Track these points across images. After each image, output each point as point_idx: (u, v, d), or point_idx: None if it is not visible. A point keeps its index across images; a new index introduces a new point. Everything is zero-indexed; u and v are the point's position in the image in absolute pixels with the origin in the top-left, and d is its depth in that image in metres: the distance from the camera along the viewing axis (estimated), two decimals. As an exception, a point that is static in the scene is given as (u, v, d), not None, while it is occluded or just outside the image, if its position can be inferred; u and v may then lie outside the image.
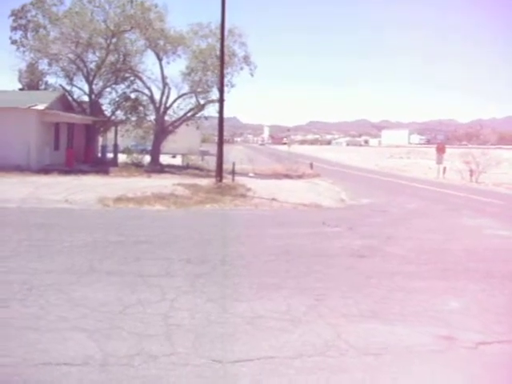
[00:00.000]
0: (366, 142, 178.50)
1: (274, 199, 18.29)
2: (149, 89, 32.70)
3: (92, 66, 31.67)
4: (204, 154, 47.98)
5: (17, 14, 30.74)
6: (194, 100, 33.52)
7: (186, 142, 46.75)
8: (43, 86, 34.98)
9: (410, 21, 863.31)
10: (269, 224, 13.27)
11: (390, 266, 8.70)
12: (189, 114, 33.86)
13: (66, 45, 29.61)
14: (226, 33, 31.04)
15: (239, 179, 24.76)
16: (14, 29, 31.11)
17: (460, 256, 9.92)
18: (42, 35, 30.09)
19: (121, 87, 32.96)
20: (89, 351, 4.61)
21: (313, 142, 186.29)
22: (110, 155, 34.63)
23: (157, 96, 32.67)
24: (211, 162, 33.87)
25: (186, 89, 33.07)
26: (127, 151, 34.99)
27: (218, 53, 28.12)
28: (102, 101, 33.16)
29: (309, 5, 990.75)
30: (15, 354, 4.50)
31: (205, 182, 22.21)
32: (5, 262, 7.65)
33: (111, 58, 31.19)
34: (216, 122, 36.11)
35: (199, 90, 32.74)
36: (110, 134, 35.52)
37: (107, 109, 33.79)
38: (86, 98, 32.47)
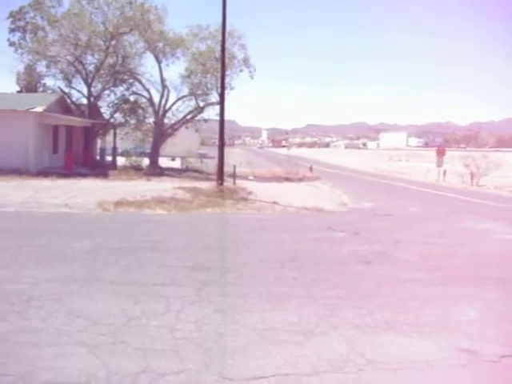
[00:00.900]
0: (365, 144, 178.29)
1: (275, 203, 18.05)
2: (148, 91, 32.53)
3: (91, 68, 31.48)
4: (203, 156, 47.79)
5: (15, 16, 30.42)
6: (193, 102, 33.41)
7: (184, 145, 46.59)
8: (41, 89, 34.72)
9: (409, 24, 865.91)
10: (272, 228, 13.00)
11: (400, 273, 8.44)
12: (188, 117, 33.68)
13: (65, 47, 29.37)
14: (225, 35, 30.95)
15: (240, 182, 24.52)
16: (12, 30, 30.78)
17: (470, 261, 9.67)
18: (41, 37, 29.82)
19: (120, 90, 32.85)
20: (92, 369, 4.33)
21: (311, 145, 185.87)
22: (109, 158, 34.37)
23: (156, 98, 32.55)
24: (210, 165, 33.67)
25: (185, 91, 32.96)
26: (126, 154, 34.76)
27: (218, 55, 27.98)
28: (100, 103, 33.00)
29: (307, 7, 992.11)
30: (14, 372, 4.22)
31: (205, 185, 21.96)
32: (2, 270, 7.36)
33: (110, 60, 30.99)
34: (214, 124, 35.97)
35: (199, 92, 32.57)
36: (109, 137, 35.31)
37: (106, 111, 33.65)
38: (84, 101, 32.24)
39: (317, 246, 10.55)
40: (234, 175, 23.97)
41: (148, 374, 4.28)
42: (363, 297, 6.89)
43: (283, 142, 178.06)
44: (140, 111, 33.33)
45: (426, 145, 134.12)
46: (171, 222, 13.40)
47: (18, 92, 34.04)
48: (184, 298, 6.35)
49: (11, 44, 30.84)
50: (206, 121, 35.28)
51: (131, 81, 32.60)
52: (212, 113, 32.89)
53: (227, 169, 24.42)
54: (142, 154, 35.65)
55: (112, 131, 34.11)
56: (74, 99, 32.36)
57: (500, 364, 4.91)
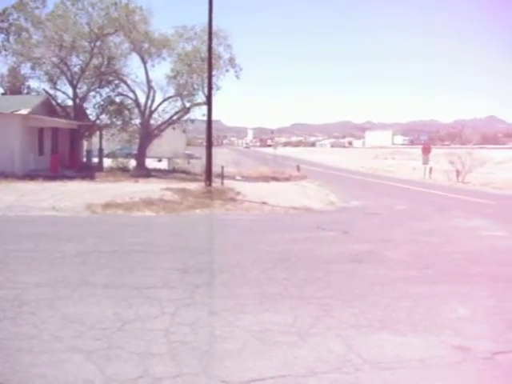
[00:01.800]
0: (350, 143, 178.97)
1: (264, 203, 18.06)
2: (133, 92, 32.36)
3: (76, 69, 31.19)
4: (190, 157, 47.63)
5: (-2, 17, 30.09)
6: (179, 103, 33.24)
7: (171, 146, 46.41)
8: (26, 91, 34.42)
9: (393, 23, 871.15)
10: (262, 229, 13.02)
11: (390, 272, 8.49)
12: (174, 118, 33.54)
13: (50, 48, 29.08)
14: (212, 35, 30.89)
15: (227, 183, 24.48)
16: (-5, 32, 30.44)
17: (460, 259, 9.75)
18: (25, 39, 29.49)
19: (105, 91, 32.58)
20: (88, 375, 4.29)
21: (297, 144, 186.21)
22: (95, 160, 34.14)
23: (142, 99, 32.35)
24: (197, 166, 33.59)
25: (171, 92, 32.82)
26: (112, 155, 34.54)
27: (204, 55, 27.90)
28: (86, 105, 32.72)
29: (291, 7, 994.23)
30: (9, 381, 4.18)
31: (193, 186, 21.90)
32: (-8, 275, 7.29)
33: (95, 61, 30.76)
34: (200, 124, 35.83)
35: (185, 93, 32.45)
36: (95, 139, 35.06)
37: (92, 113, 33.38)
38: (70, 102, 31.96)
39: (307, 245, 10.58)
40: (222, 176, 23.93)
41: (146, 379, 4.25)
42: (356, 296, 6.92)
43: (268, 141, 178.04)
44: (126, 112, 33.12)
45: (412, 143, 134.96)
46: (161, 224, 13.35)
47: (2, 94, 33.67)
48: (177, 301, 6.32)
49: (-6, 45, 30.48)
50: (192, 121, 35.19)
51: (117, 82, 32.37)
52: (198, 113, 32.82)
53: (214, 169, 24.37)
54: (128, 156, 35.46)
55: (98, 133, 33.87)
56: (59, 101, 32.06)
57: (493, 360, 4.96)
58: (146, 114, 32.32)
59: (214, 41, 31.67)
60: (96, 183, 22.62)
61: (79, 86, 31.04)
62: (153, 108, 32.64)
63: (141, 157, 33.05)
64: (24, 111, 24.09)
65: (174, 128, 34.99)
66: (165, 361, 4.61)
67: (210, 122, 21.67)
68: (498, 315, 6.38)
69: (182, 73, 31.94)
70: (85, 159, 34.40)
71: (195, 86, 32.19)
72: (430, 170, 36.93)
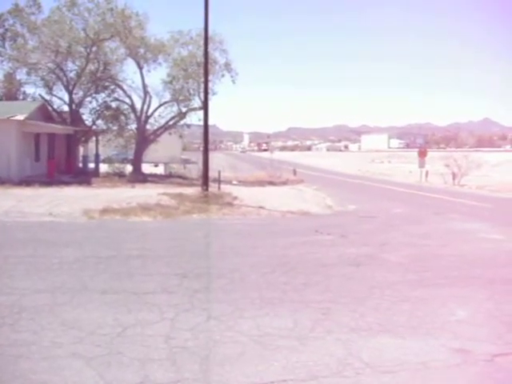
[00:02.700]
0: (346, 147, 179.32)
1: (261, 207, 18.07)
2: (130, 97, 32.32)
3: (72, 75, 31.18)
4: (186, 162, 47.61)
5: (-7, 23, 30.10)
6: (175, 108, 33.20)
7: (167, 151, 46.35)
8: (21, 96, 34.34)
9: (388, 26, 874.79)
10: (260, 233, 13.02)
11: (389, 275, 8.50)
12: (170, 123, 33.51)
13: (45, 54, 29.05)
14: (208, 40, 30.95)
15: (224, 187, 24.48)
16: (-10, 38, 30.44)
17: (458, 262, 9.77)
18: (20, 44, 29.48)
19: (101, 96, 32.54)
20: (88, 381, 4.28)
21: (293, 148, 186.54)
22: (92, 165, 34.09)
23: (138, 105, 32.31)
24: (193, 170, 33.57)
25: (167, 97, 32.76)
26: (108, 161, 34.49)
27: (200, 60, 27.93)
28: (82, 110, 32.69)
29: (284, 10, 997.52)
30: (9, 387, 4.17)
31: (190, 190, 21.87)
32: (-10, 281, 7.26)
33: (91, 66, 30.74)
34: (196, 129, 35.84)
35: (181, 98, 32.43)
36: (91, 144, 35.00)
37: (88, 118, 33.33)
38: (66, 108, 31.94)
39: (305, 249, 10.58)
40: (218, 180, 23.95)
41: (146, 385, 4.25)
42: (355, 300, 6.92)
43: (263, 145, 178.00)
44: (122, 117, 33.10)
45: (407, 146, 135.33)
46: (158, 229, 13.35)
47: (-1, 100, 33.59)
48: (177, 306, 6.32)
49: (-11, 51, 30.47)
50: (188, 126, 35.18)
51: (113, 87, 32.37)
52: (194, 118, 32.83)
53: (211, 173, 24.38)
54: (124, 161, 35.40)
55: (94, 138, 33.84)
56: (55, 106, 32.03)
57: (493, 363, 4.97)
58: (142, 119, 32.30)
59: (210, 45, 31.68)
60: (93, 189, 22.57)
61: (75, 91, 31.01)
62: (149, 113, 32.62)
63: (137, 162, 33.01)
64: (20, 117, 24.03)
65: (170, 133, 34.98)
66: (165, 366, 4.60)
67: (206, 126, 21.69)
68: (497, 317, 6.40)
69: (177, 78, 31.92)
70: (81, 165, 34.34)
71: (191, 91, 32.19)
72: (427, 173, 36.99)
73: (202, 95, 31.42)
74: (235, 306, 6.42)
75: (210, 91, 31.87)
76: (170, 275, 7.89)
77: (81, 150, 35.50)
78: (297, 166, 46.80)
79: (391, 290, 7.47)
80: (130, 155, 35.19)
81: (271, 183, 31.92)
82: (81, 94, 31.63)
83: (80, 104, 31.76)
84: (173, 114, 33.34)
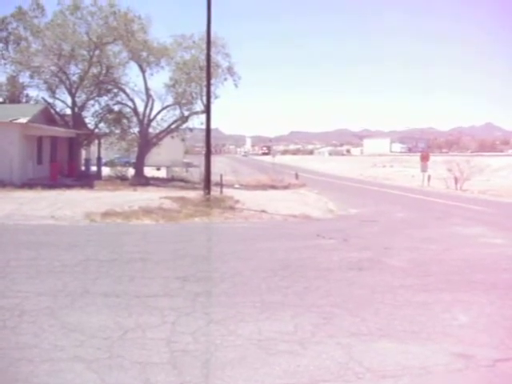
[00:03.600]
0: (348, 151, 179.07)
1: (263, 211, 18.05)
2: (132, 101, 32.45)
3: (75, 78, 31.28)
4: (188, 165, 47.68)
5: (-3, 27, 30.25)
6: (177, 112, 33.32)
7: (169, 154, 46.41)
8: (25, 99, 34.45)
9: (391, 28, 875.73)
10: (262, 237, 13.02)
11: (391, 279, 8.49)
12: (173, 126, 33.62)
13: (48, 57, 29.17)
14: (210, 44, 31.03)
15: (226, 191, 24.48)
16: (-6, 41, 30.59)
17: (460, 266, 9.76)
18: (24, 47, 29.61)
19: (104, 99, 32.66)
20: (90, 384, 4.28)
21: (295, 152, 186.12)
22: (94, 168, 34.15)
23: (140, 108, 32.43)
24: (195, 174, 33.61)
25: (169, 100, 32.93)
26: (111, 164, 34.55)
27: (202, 64, 28.01)
28: (85, 113, 32.78)
29: (288, 14, 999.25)
30: (10, 390, 4.16)
31: (192, 194, 21.88)
32: (-8, 284, 7.26)
33: (94, 70, 30.85)
34: (198, 133, 35.92)
35: (183, 101, 32.54)
36: (94, 147, 35.08)
37: (90, 121, 33.44)
38: (68, 111, 32.03)
39: (307, 253, 10.58)
40: (220, 184, 23.95)
41: (147, 388, 4.24)
42: (357, 304, 6.91)
43: (264, 148, 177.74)
44: (124, 121, 33.18)
45: (410, 150, 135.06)
46: (160, 233, 13.35)
47: (1, 103, 33.66)
48: (178, 310, 6.30)
49: (-6, 54, 30.62)
50: (191, 130, 35.25)
51: (115, 91, 32.48)
52: (196, 122, 32.89)
53: (213, 177, 24.40)
54: (126, 164, 35.47)
55: (97, 141, 33.90)
56: (58, 110, 32.14)
57: (495, 368, 4.96)
58: (145, 122, 32.40)
59: (213, 49, 31.73)
60: (95, 192, 22.58)
61: (78, 94, 31.11)
62: (151, 116, 32.73)
63: (139, 165, 33.10)
64: (23, 120, 24.10)
65: (172, 137, 35.05)
66: (166, 370, 4.59)
67: (208, 130, 21.70)
68: (499, 322, 6.38)
69: (180, 81, 32.04)
70: (83, 168, 34.41)
71: (193, 95, 32.28)
72: (429, 177, 37.01)
73: (204, 99, 31.49)
74: (237, 310, 6.41)
75: (212, 95, 31.96)
76: (171, 279, 7.88)
77: (83, 153, 35.56)
78: (299, 170, 46.81)
79: (393, 295, 7.45)
80: (133, 159, 35.27)
81: (273, 187, 31.90)
82: (83, 97, 31.75)
83: (82, 107, 31.86)
84: (175, 118, 33.47)
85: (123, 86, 32.23)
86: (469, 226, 15.97)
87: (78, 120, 31.42)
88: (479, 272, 9.31)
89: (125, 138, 34.03)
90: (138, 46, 30.24)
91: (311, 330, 5.77)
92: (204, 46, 28.34)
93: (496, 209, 22.35)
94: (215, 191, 22.92)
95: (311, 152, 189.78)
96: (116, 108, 33.12)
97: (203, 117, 27.04)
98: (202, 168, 32.57)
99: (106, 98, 32.60)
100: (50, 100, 32.20)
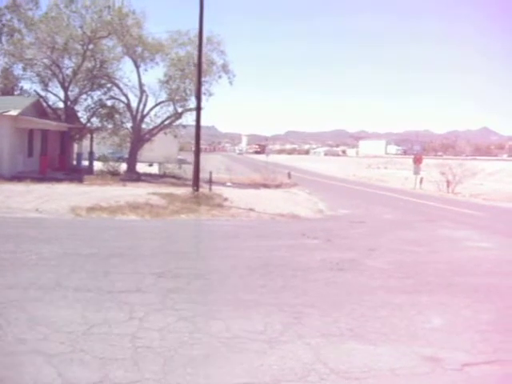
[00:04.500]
0: (344, 151, 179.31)
1: (251, 209, 17.99)
2: (126, 96, 32.29)
3: (68, 72, 31.08)
4: (181, 162, 47.52)
5: (-10, 18, 30.06)
6: (171, 108, 33.18)
7: (163, 151, 46.29)
8: (18, 92, 34.22)
9: (388, 31, 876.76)
10: (246, 235, 12.95)
11: (371, 280, 8.44)
12: (166, 122, 33.49)
13: (42, 50, 28.99)
14: (204, 41, 30.94)
15: (216, 188, 24.40)
16: (-14, 33, 30.38)
17: (443, 269, 9.71)
18: (17, 39, 29.41)
19: (97, 94, 32.43)
20: (46, 378, 4.20)
21: (291, 152, 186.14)
22: (86, 163, 33.99)
23: (134, 103, 32.27)
24: (188, 171, 33.45)
25: (163, 97, 32.77)
26: (103, 159, 34.38)
27: (196, 61, 27.91)
28: (77, 108, 32.55)
29: (285, 13, 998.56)
30: (-36, 383, 4.09)
31: (181, 191, 21.81)
32: (-36, 276, 7.17)
33: (88, 64, 30.64)
34: (193, 130, 35.96)
35: (177, 98, 32.39)
36: (86, 142, 34.89)
37: (83, 116, 33.22)
38: (61, 105, 31.83)
39: (289, 253, 10.52)
40: (210, 181, 23.85)
41: (104, 384, 4.17)
42: (331, 304, 6.85)
43: (256, 147, 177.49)
44: (117, 116, 32.99)
45: (405, 153, 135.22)
46: (144, 228, 13.27)
47: (-7, 95, 33.43)
48: (148, 306, 6.23)
49: (-15, 46, 30.40)
50: (184, 126, 35.12)
51: (109, 85, 32.28)
52: (190, 118, 32.62)
53: (205, 175, 24.32)
54: (120, 159, 35.30)
55: (89, 136, 33.73)
56: (50, 103, 31.92)
57: (462, 372, 4.91)
58: (138, 118, 32.25)
59: (208, 47, 31.78)
60: (84, 186, 22.45)
61: (71, 88, 30.90)
62: (145, 112, 32.60)
63: (131, 161, 32.96)
64: (13, 112, 23.93)
65: (165, 133, 34.92)
66: (127, 366, 4.52)
67: (198, 127, 21.66)
68: (474, 326, 6.33)
69: (174, 78, 31.92)
70: (75, 162, 34.23)
71: (188, 92, 32.13)
72: (421, 180, 36.96)
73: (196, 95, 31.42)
74: (208, 308, 6.35)
75: (206, 92, 31.96)
76: (146, 274, 7.81)
77: (75, 147, 35.37)
78: (293, 170, 46.75)
79: (370, 296, 7.40)
80: (126, 154, 35.09)
81: (265, 186, 31.85)
82: (76, 91, 31.54)
83: (75, 101, 31.66)
84: (169, 114, 33.32)
85: (117, 81, 32.06)
86: (457, 229, 15.94)
87: (70, 114, 31.23)
88: (461, 275, 9.28)
89: (117, 133, 33.82)
90: (132, 41, 30.09)
91: (280, 330, 5.71)
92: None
93: (487, 212, 22.34)
94: (205, 188, 22.85)
95: (307, 152, 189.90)
96: (109, 103, 32.92)
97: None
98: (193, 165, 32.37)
99: (98, 92, 32.41)
100: (43, 93, 32.02)
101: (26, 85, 33.97)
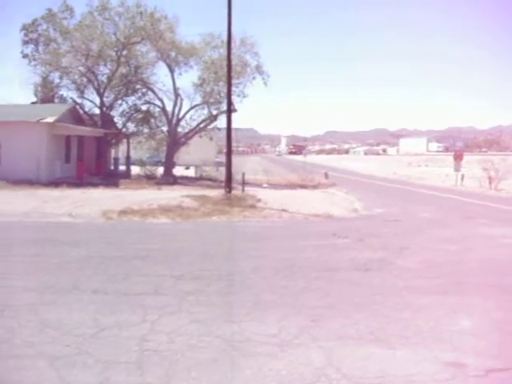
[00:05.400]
0: (384, 150, 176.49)
1: (284, 210, 17.78)
2: (161, 100, 32.62)
3: (103, 78, 31.64)
4: (219, 164, 47.73)
5: (28, 29, 30.85)
6: (206, 111, 33.30)
7: (199, 153, 46.62)
8: (58, 100, 35.05)
9: (428, 26, 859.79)
10: (275, 236, 12.76)
11: (398, 281, 8.11)
12: (201, 125, 33.63)
13: (77, 58, 29.62)
14: (237, 42, 31.02)
15: (251, 190, 24.30)
16: (25, 43, 31.20)
17: (476, 268, 9.28)
18: (53, 48, 30.13)
19: (131, 99, 32.88)
20: (46, 382, 4.15)
21: (330, 152, 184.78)
22: (123, 167, 34.52)
23: (169, 107, 32.54)
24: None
25: (198, 100, 32.92)
26: (140, 163, 34.83)
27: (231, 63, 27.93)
28: (113, 113, 33.08)
29: (323, 11, 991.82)
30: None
31: (214, 193, 21.78)
32: (-15, 280, 7.25)
33: (122, 70, 31.11)
34: (232, 132, 36.00)
35: (211, 100, 32.49)
36: (124, 146, 35.44)
37: (119, 121, 33.73)
38: (97, 111, 32.42)
39: (317, 253, 10.27)
40: (242, 182, 23.76)
41: (104, 388, 4.07)
42: (353, 306, 6.59)
43: (291, 147, 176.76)
44: (152, 120, 33.37)
45: (447, 150, 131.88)
46: (173, 231, 13.24)
47: (33, 103, 34.36)
48: (163, 309, 6.13)
49: (24, 56, 31.27)
50: (219, 129, 35.17)
51: (144, 90, 32.70)
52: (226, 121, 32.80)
53: (240, 176, 24.29)
54: (158, 163, 35.69)
55: (125, 140, 34.23)
56: (86, 109, 32.61)
57: (486, 378, 4.59)
58: (174, 121, 32.51)
59: (241, 48, 31.85)
60: (118, 190, 22.75)
61: (106, 94, 31.46)
62: (180, 116, 32.82)
63: (168, 164, 33.24)
64: (50, 119, 24.50)
65: (200, 136, 35.08)
66: (130, 369, 4.42)
67: (229, 129, 21.65)
68: (504, 329, 5.96)
69: (208, 81, 32.02)
70: (112, 167, 34.79)
71: (222, 94, 32.14)
72: (462, 176, 35.90)
73: (232, 98, 31.49)
74: (224, 310, 6.21)
75: (240, 94, 32.01)
76: (167, 277, 7.72)
77: (113, 152, 35.96)
78: (331, 170, 46.31)
79: (395, 297, 7.10)
80: (164, 158, 35.47)
81: (302, 186, 31.54)
82: (112, 96, 32.05)
83: (111, 107, 32.22)
84: (204, 117, 33.44)
85: (151, 86, 32.44)
86: (495, 227, 15.28)
87: (106, 119, 31.78)
88: (494, 275, 8.82)
89: (153, 137, 34.22)
90: (166, 46, 30.38)
91: (295, 333, 5.50)
92: (232, 45, 28.33)
93: (529, 209, 21.43)
94: (239, 190, 22.78)
95: (347, 151, 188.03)
96: (144, 107, 33.36)
97: (232, 116, 27.00)
98: (234, 167, 32.34)
99: (133, 97, 32.87)
100: (79, 100, 32.73)
101: (64, 92, 34.80)
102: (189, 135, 34.01)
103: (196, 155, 44.31)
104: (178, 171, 36.05)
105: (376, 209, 19.78)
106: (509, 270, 9.30)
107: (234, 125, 32.66)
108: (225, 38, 30.96)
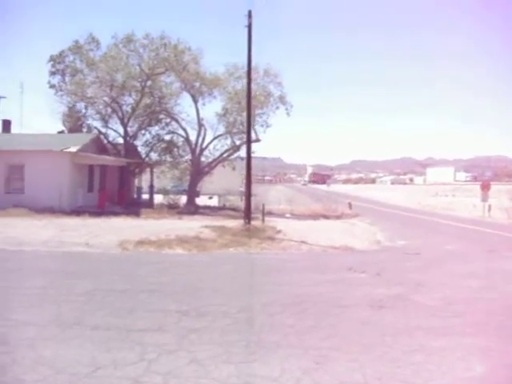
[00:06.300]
0: (411, 179, 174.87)
1: (303, 242, 17.52)
2: (184, 130, 32.98)
3: (127, 108, 32.15)
4: (244, 194, 47.66)
5: (55, 60, 31.80)
6: (229, 141, 33.56)
7: (223, 183, 46.71)
8: (85, 129, 35.76)
9: (454, 52, 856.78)
10: (291, 269, 12.50)
11: (412, 320, 7.77)
12: (224, 155, 33.80)
13: (102, 88, 30.25)
14: (261, 73, 31.29)
15: (271, 220, 24.11)
16: (52, 73, 32.12)
17: (497, 307, 8.86)
18: (79, 79, 30.85)
19: (155, 129, 33.30)
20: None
21: (357, 181, 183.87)
22: (146, 196, 34.74)
23: (192, 137, 32.82)
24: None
25: (221, 130, 33.25)
26: (163, 192, 35.01)
27: (253, 94, 28.14)
28: (136, 142, 33.51)
29: (348, 37, 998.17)
30: None
31: (234, 223, 21.64)
32: (-12, 312, 7.19)
33: (146, 100, 31.60)
34: (258, 162, 36.04)
35: (234, 130, 32.75)
36: (147, 176, 35.76)
37: (142, 150, 34.12)
38: (121, 140, 32.88)
39: (330, 288, 9.99)
40: (262, 213, 23.59)
41: None
42: (361, 347, 6.30)
43: (312, 176, 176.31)
44: (175, 150, 33.66)
45: (475, 179, 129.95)
46: (187, 263, 13.09)
47: (59, 132, 35.07)
48: (163, 347, 5.95)
49: (51, 86, 32.17)
50: (242, 159, 35.29)
51: (167, 120, 33.11)
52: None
53: (267, 206, 24.15)
54: (182, 192, 35.86)
55: (148, 170, 34.54)
56: (110, 139, 33.12)
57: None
58: (197, 151, 32.75)
59: (265, 79, 32.17)
60: (139, 220, 22.80)
61: (130, 124, 31.95)
62: (203, 146, 33.09)
63: (191, 194, 33.37)
64: (73, 149, 24.88)
65: (223, 166, 35.21)
66: (117, 415, 4.22)
67: (249, 159, 21.61)
68: (522, 376, 5.60)
69: (231, 111, 32.32)
70: (135, 196, 35.05)
71: (244, 124, 32.32)
72: (489, 207, 35.11)
73: (256, 128, 31.65)
74: (225, 349, 5.98)
75: (263, 124, 32.16)
76: (172, 312, 7.55)
77: (135, 181, 36.29)
78: (356, 200, 45.87)
79: (407, 338, 6.77)
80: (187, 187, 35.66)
81: (325, 217, 31.19)
82: (135, 126, 32.52)
83: (134, 136, 32.66)
84: (227, 147, 33.65)
85: (175, 116, 32.82)
86: (521, 262, 14.76)
87: (129, 149, 32.19)
88: (516, 314, 8.41)
89: (177, 166, 34.48)
90: (190, 76, 30.82)
91: (298, 377, 5.25)
92: (255, 75, 28.61)
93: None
94: (260, 220, 22.60)
95: (373, 181, 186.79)
96: (167, 137, 33.75)
97: (256, 146, 27.07)
98: (258, 197, 32.23)
99: (157, 127, 33.28)
100: (103, 129, 33.30)
101: (90, 122, 35.49)
102: (212, 165, 34.20)
103: (219, 184, 44.42)
104: (202, 200, 36.10)
105: (399, 241, 19.40)
106: (532, 310, 8.87)
107: (259, 154, 32.89)
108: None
